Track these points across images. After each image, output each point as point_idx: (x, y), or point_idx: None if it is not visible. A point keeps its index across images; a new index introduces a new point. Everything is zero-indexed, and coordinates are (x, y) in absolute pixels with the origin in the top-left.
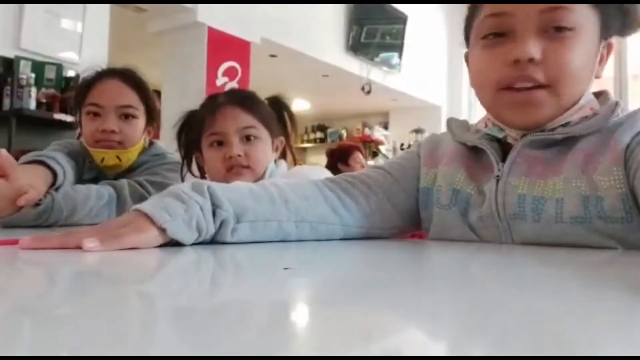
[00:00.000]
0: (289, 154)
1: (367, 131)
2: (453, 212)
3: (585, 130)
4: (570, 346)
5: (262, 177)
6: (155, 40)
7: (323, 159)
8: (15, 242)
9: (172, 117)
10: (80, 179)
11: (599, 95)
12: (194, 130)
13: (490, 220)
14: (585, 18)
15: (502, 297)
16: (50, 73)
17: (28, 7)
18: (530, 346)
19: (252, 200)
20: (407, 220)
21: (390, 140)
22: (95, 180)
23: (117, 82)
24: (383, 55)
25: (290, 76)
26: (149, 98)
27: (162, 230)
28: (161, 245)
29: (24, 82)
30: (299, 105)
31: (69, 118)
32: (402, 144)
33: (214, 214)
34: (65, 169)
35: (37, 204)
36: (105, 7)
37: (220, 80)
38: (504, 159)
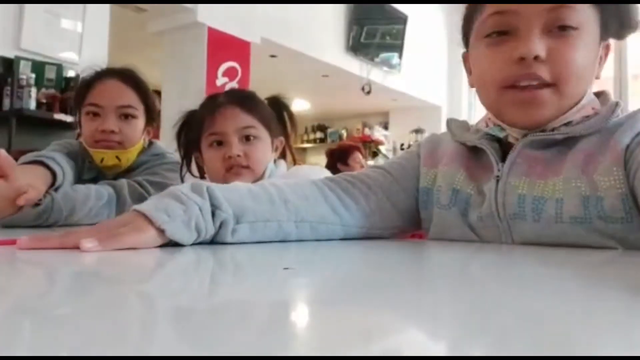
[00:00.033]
0: (288, 154)
1: (367, 131)
2: (453, 212)
3: (586, 130)
4: (570, 346)
5: (261, 177)
6: (155, 40)
7: (323, 159)
8: (13, 242)
9: (172, 117)
10: (79, 179)
11: (598, 95)
12: (193, 130)
13: (490, 220)
14: (588, 18)
15: (502, 297)
16: (50, 73)
17: (28, 7)
18: (530, 346)
19: (252, 200)
20: (407, 220)
21: (390, 140)
22: (94, 180)
23: (117, 82)
24: (383, 55)
25: (290, 76)
26: (148, 98)
27: (161, 231)
28: (160, 246)
29: (24, 82)
30: (299, 105)
31: (69, 118)
32: (402, 144)
33: (213, 215)
34: (65, 169)
35: (36, 204)
36: (105, 7)
37: (220, 81)
38: (503, 159)
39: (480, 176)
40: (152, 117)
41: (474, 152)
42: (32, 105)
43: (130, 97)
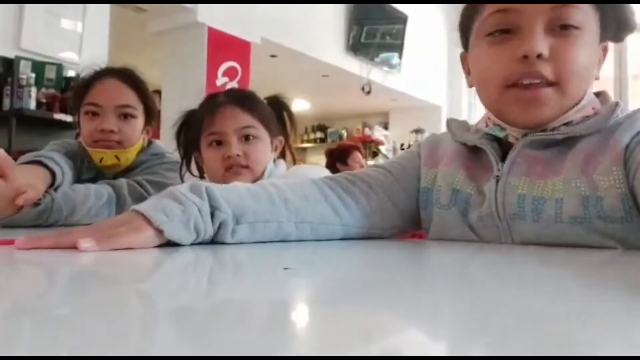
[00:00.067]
0: (288, 153)
1: (367, 131)
2: (453, 212)
3: (586, 130)
4: (570, 346)
5: (261, 176)
6: (155, 40)
7: (323, 159)
8: (11, 242)
9: (172, 117)
10: (78, 179)
11: (598, 95)
12: (193, 130)
13: (490, 220)
14: (589, 18)
15: (502, 297)
16: (50, 73)
17: (28, 7)
18: (530, 346)
19: (251, 200)
20: (407, 220)
21: (390, 140)
22: (93, 180)
23: (116, 81)
24: (383, 55)
25: (290, 76)
26: (147, 98)
27: (159, 232)
28: (160, 246)
29: (24, 82)
30: (299, 105)
31: (69, 118)
32: (402, 144)
33: (212, 215)
34: (64, 169)
35: (36, 204)
36: (105, 7)
37: (220, 80)
38: (503, 158)
39: (480, 176)
40: (151, 116)
41: (474, 152)
42: (32, 105)
43: (129, 97)
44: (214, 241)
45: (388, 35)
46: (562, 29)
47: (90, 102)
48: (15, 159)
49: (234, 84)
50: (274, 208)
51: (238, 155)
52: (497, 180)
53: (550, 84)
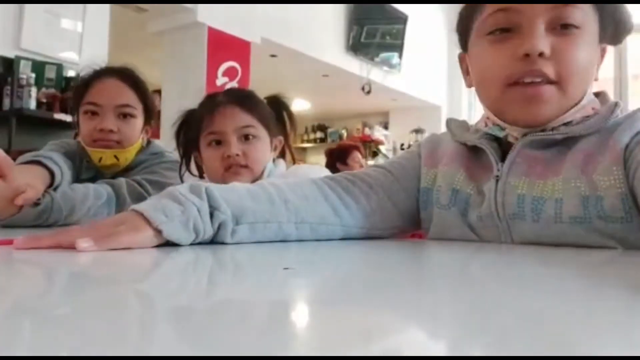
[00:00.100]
0: (287, 153)
1: (367, 131)
2: (453, 212)
3: (585, 130)
4: (570, 346)
5: (260, 176)
6: (155, 40)
7: (323, 159)
8: (10, 242)
9: (172, 117)
10: (77, 179)
11: (597, 95)
12: (192, 130)
13: (490, 220)
14: (589, 18)
15: (502, 297)
16: (50, 73)
17: (28, 7)
18: (530, 346)
19: (251, 201)
20: (407, 220)
21: (390, 140)
22: (92, 180)
23: (116, 81)
24: (383, 55)
25: (290, 76)
26: (147, 97)
27: (158, 232)
28: (160, 246)
29: (24, 82)
30: (299, 105)
31: (69, 118)
32: (402, 144)
33: (211, 216)
34: (63, 168)
35: (36, 204)
36: (105, 7)
37: (220, 80)
38: (503, 158)
39: (480, 176)
40: (151, 116)
41: (473, 152)
42: (32, 105)
43: (129, 97)
44: (214, 241)
45: (388, 35)
46: (562, 28)
47: (89, 102)
48: (14, 159)
49: (234, 84)
50: (274, 208)
51: (237, 155)
52: (497, 180)
53: (551, 82)
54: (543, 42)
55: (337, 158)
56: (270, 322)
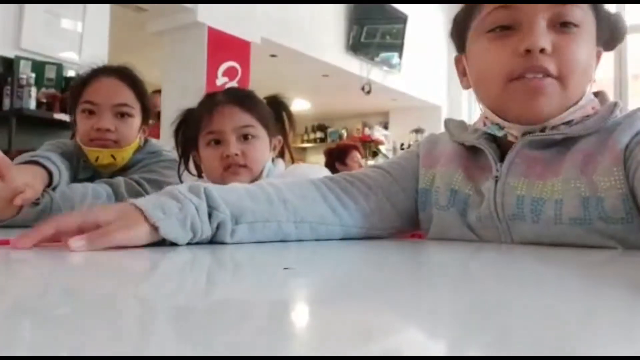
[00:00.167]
0: (287, 153)
1: (367, 131)
2: (451, 212)
3: (585, 130)
4: (570, 346)
5: (259, 176)
6: (155, 40)
7: (323, 159)
8: (6, 243)
9: (171, 117)
10: (75, 179)
11: (596, 95)
12: (191, 129)
13: (490, 220)
14: (588, 18)
15: (502, 297)
16: (50, 73)
17: (28, 7)
18: (530, 346)
19: (250, 200)
20: (405, 220)
21: (390, 140)
22: (90, 179)
23: (113, 80)
24: (383, 55)
25: (290, 76)
26: (144, 97)
27: (155, 228)
28: (159, 246)
29: (24, 82)
30: (299, 105)
31: (69, 118)
32: (402, 144)
33: (210, 215)
34: (60, 168)
35: (35, 204)
36: (105, 7)
37: (220, 80)
38: (502, 159)
39: (478, 176)
40: (148, 115)
41: (472, 152)
42: (32, 105)
43: (126, 96)
44: (213, 241)
45: (388, 35)
46: (562, 26)
47: (86, 101)
48: (13, 159)
49: (234, 84)
50: (273, 208)
51: (236, 155)
52: (496, 181)
53: (552, 78)
54: (544, 39)
55: (336, 158)
56: (270, 322)
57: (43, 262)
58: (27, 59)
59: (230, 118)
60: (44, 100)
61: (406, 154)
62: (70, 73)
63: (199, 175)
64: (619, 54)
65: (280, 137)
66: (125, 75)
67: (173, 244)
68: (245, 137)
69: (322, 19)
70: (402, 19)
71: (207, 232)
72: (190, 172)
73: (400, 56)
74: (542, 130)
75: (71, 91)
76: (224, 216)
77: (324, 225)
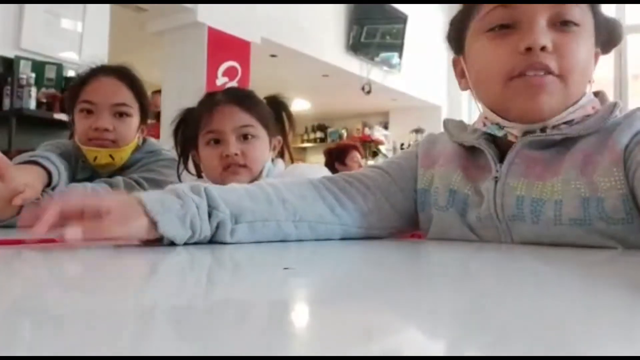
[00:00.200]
0: (286, 153)
1: (367, 131)
2: (451, 213)
3: (584, 130)
4: (570, 346)
5: (259, 176)
6: (155, 40)
7: (323, 159)
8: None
9: (171, 117)
10: (73, 179)
11: (595, 95)
12: (190, 128)
13: (489, 221)
14: (587, 18)
15: (502, 297)
16: (50, 73)
17: (28, 7)
18: (530, 346)
19: (249, 200)
20: (405, 220)
21: (390, 140)
22: (89, 180)
23: (112, 79)
24: (383, 55)
25: (290, 76)
26: (143, 96)
27: (153, 224)
28: (158, 246)
29: (24, 82)
30: (299, 105)
31: (67, 117)
32: (402, 144)
33: (210, 215)
34: (60, 168)
35: (34, 204)
36: (105, 7)
37: (220, 80)
38: (501, 159)
39: (477, 176)
40: (147, 115)
41: (470, 152)
42: (32, 105)
43: (125, 95)
44: (213, 241)
45: (388, 35)
46: (562, 25)
47: (85, 100)
48: (12, 159)
49: (233, 84)
50: (272, 207)
51: (236, 154)
52: (496, 182)
53: (553, 75)
54: (545, 37)
55: (336, 158)
56: (270, 322)
57: (43, 262)
58: (27, 59)
59: (230, 118)
60: (44, 100)
61: (405, 154)
62: (70, 73)
63: (199, 175)
64: (619, 54)
65: (280, 137)
66: (123, 74)
67: (172, 244)
68: (245, 137)
69: (322, 19)
70: (402, 19)
71: (206, 231)
72: (189, 172)
73: (400, 56)
74: (543, 130)
75: (69, 90)
76: (223, 216)
77: (323, 225)
